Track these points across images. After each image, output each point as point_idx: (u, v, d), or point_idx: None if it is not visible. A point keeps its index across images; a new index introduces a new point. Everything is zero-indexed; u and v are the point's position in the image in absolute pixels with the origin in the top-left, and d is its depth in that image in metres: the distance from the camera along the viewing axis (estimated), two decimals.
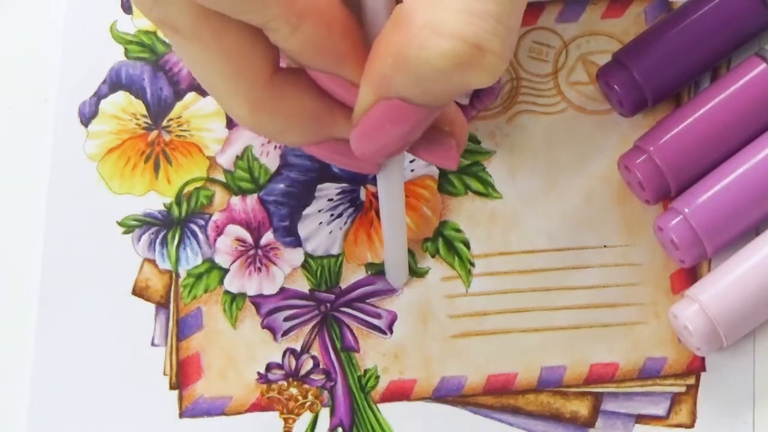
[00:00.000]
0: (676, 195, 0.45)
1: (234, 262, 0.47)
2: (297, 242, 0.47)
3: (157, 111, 0.49)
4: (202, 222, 0.48)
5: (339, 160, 0.42)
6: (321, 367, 0.46)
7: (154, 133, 0.49)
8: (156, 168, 0.48)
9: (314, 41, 0.38)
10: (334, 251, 0.47)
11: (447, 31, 0.36)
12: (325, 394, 0.46)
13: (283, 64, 0.40)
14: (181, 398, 0.46)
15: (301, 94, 0.40)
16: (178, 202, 0.48)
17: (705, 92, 0.46)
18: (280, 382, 0.46)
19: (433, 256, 0.47)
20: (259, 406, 0.46)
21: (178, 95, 0.49)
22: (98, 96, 0.49)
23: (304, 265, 0.47)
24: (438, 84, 0.37)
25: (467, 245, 0.47)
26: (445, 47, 0.36)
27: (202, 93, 0.49)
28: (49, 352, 0.47)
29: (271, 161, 0.48)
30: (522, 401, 0.45)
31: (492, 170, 0.47)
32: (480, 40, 0.36)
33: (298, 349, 0.46)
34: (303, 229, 0.47)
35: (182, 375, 0.46)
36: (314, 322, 0.46)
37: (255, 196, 0.48)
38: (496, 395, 0.45)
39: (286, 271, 0.47)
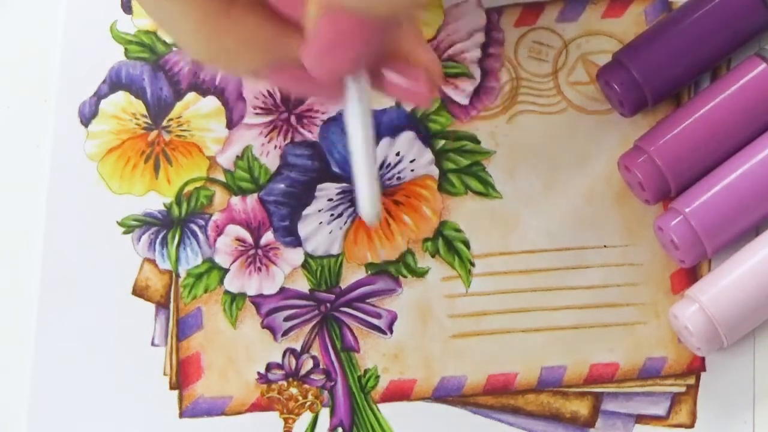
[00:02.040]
0: (676, 195, 0.45)
1: (234, 262, 0.47)
2: (297, 242, 0.47)
3: (157, 111, 0.49)
4: (202, 222, 0.48)
5: (298, 87, 0.41)
6: (321, 367, 0.46)
7: (154, 133, 0.49)
8: (156, 168, 0.48)
9: None
10: (334, 251, 0.47)
11: None
12: (325, 394, 0.46)
13: None
14: (181, 398, 0.46)
15: (252, 16, 0.39)
16: (178, 202, 0.48)
17: (705, 92, 0.46)
18: (280, 382, 0.46)
19: (433, 256, 0.47)
20: (259, 406, 0.46)
21: (178, 95, 0.49)
22: (98, 96, 0.49)
23: (304, 265, 0.47)
24: None
25: (467, 245, 0.47)
26: None
27: (203, 93, 0.49)
28: (49, 352, 0.47)
29: (271, 161, 0.48)
30: (522, 401, 0.45)
31: (492, 170, 0.47)
32: None
33: (298, 349, 0.46)
34: (303, 229, 0.47)
35: (182, 375, 0.46)
36: (314, 322, 0.46)
37: (255, 196, 0.48)
38: (496, 395, 0.45)
39: (286, 271, 0.47)
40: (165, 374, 0.46)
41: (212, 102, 0.49)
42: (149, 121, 0.49)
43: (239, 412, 0.46)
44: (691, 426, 0.44)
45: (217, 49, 0.40)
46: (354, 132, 0.41)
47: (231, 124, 0.49)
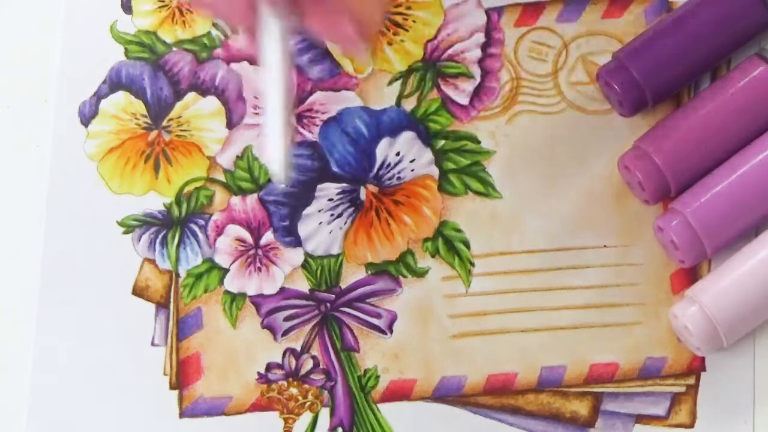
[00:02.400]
0: (676, 195, 0.45)
1: (234, 262, 0.47)
2: (297, 242, 0.47)
3: (157, 111, 0.49)
4: (202, 222, 0.48)
5: (211, 11, 0.40)
6: (321, 367, 0.46)
7: (154, 133, 0.49)
8: (156, 168, 0.48)
9: None
10: (334, 251, 0.47)
11: None
12: (325, 394, 0.46)
13: None
14: (181, 398, 0.46)
15: None
16: (178, 202, 0.48)
17: (705, 92, 0.46)
18: (280, 382, 0.46)
19: (433, 256, 0.47)
20: (259, 406, 0.46)
21: (178, 95, 0.49)
22: (98, 96, 0.49)
23: (304, 265, 0.47)
24: None
25: (467, 245, 0.47)
26: None
27: (202, 93, 0.49)
28: (49, 352, 0.47)
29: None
30: (522, 401, 0.45)
31: (492, 170, 0.47)
32: None
33: (298, 349, 0.46)
34: (303, 229, 0.47)
35: (182, 375, 0.46)
36: (314, 322, 0.46)
37: (255, 196, 0.48)
38: (496, 395, 0.45)
39: (286, 271, 0.47)
40: (165, 374, 0.46)
41: (212, 102, 0.49)
42: (149, 121, 0.49)
43: (239, 412, 0.46)
44: (691, 426, 0.44)
45: None
46: (268, 72, 0.39)
47: (231, 124, 0.49)
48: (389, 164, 0.47)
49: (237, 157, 0.48)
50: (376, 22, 0.39)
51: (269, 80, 0.38)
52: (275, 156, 0.39)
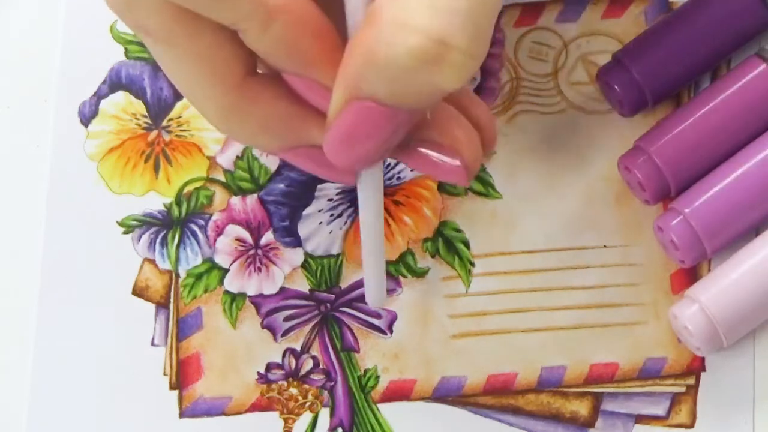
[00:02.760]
0: (676, 195, 0.45)
1: (234, 262, 0.47)
2: (297, 242, 0.47)
3: (157, 111, 0.49)
4: (202, 222, 0.48)
5: (314, 168, 0.41)
6: (321, 367, 0.46)
7: (154, 133, 0.49)
8: (156, 168, 0.48)
9: (285, 42, 0.37)
10: (334, 251, 0.47)
11: (414, 26, 0.35)
12: (325, 394, 0.46)
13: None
14: (181, 398, 0.46)
15: (274, 99, 0.39)
16: (178, 202, 0.48)
17: (705, 92, 0.46)
18: (280, 382, 0.46)
19: (433, 256, 0.47)
20: (259, 406, 0.46)
21: (178, 95, 0.49)
22: (98, 96, 0.49)
23: (304, 265, 0.47)
24: (407, 83, 0.36)
25: (467, 245, 0.47)
26: (411, 42, 0.35)
27: None
28: (49, 352, 0.47)
29: (271, 161, 0.48)
30: (522, 401, 0.45)
31: (492, 170, 0.47)
32: (446, 35, 0.35)
33: (298, 349, 0.46)
34: (303, 229, 0.47)
35: (182, 375, 0.46)
36: (314, 322, 0.46)
37: (255, 196, 0.48)
38: (496, 395, 0.45)
39: (286, 271, 0.47)
40: (165, 374, 0.46)
41: None
42: (149, 121, 0.49)
43: (239, 412, 0.46)
44: (691, 426, 0.45)
45: (237, 129, 0.40)
46: (365, 218, 0.41)
47: None
48: (389, 164, 0.47)
49: (237, 157, 0.48)
50: (476, 158, 0.40)
51: (366, 225, 0.41)
52: (372, 288, 0.44)
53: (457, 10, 0.35)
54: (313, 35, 0.37)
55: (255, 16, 0.36)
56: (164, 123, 0.49)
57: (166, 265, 0.47)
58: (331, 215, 0.47)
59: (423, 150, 0.39)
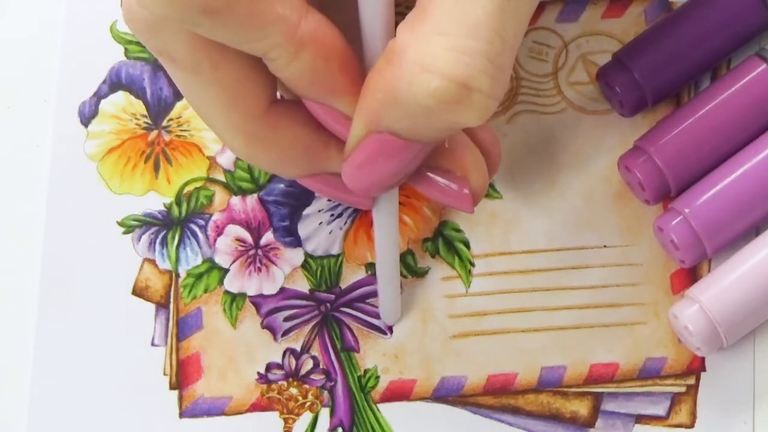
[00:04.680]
0: (676, 195, 0.45)
1: (234, 262, 0.47)
2: (297, 242, 0.47)
3: (157, 111, 0.49)
4: (202, 222, 0.48)
5: (333, 194, 0.42)
6: (321, 367, 0.46)
7: (154, 133, 0.49)
8: (156, 168, 0.48)
9: (312, 71, 0.37)
10: (334, 251, 0.47)
11: (436, 69, 0.35)
12: (325, 394, 0.46)
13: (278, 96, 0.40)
14: (181, 398, 0.46)
15: (295, 126, 0.40)
16: (178, 202, 0.48)
17: (705, 92, 0.46)
18: (280, 382, 0.46)
19: (433, 256, 0.47)
20: (259, 406, 0.46)
21: (178, 95, 0.49)
22: (98, 96, 0.49)
23: (304, 265, 0.47)
24: (427, 121, 0.36)
25: (467, 245, 0.47)
26: (433, 85, 0.35)
27: None
28: (49, 352, 0.47)
29: None
30: (522, 401, 0.45)
31: None
32: (468, 78, 0.35)
33: (298, 349, 0.46)
34: (303, 229, 0.47)
35: (182, 375, 0.46)
36: (314, 322, 0.46)
37: (255, 196, 0.48)
38: (496, 395, 0.45)
39: (286, 271, 0.47)
40: (165, 374, 0.46)
41: None
42: (149, 121, 0.49)
43: (239, 412, 0.46)
44: (691, 426, 0.45)
45: (260, 156, 0.40)
46: (380, 241, 0.42)
47: None
48: None
49: (237, 157, 0.48)
50: (483, 183, 0.41)
51: (381, 248, 0.43)
52: (387, 306, 0.45)
53: (479, 51, 0.35)
54: (339, 66, 0.38)
55: (286, 47, 0.37)
56: (164, 123, 0.49)
57: (166, 265, 0.47)
58: (331, 215, 0.47)
59: (432, 176, 0.40)
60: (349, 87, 0.38)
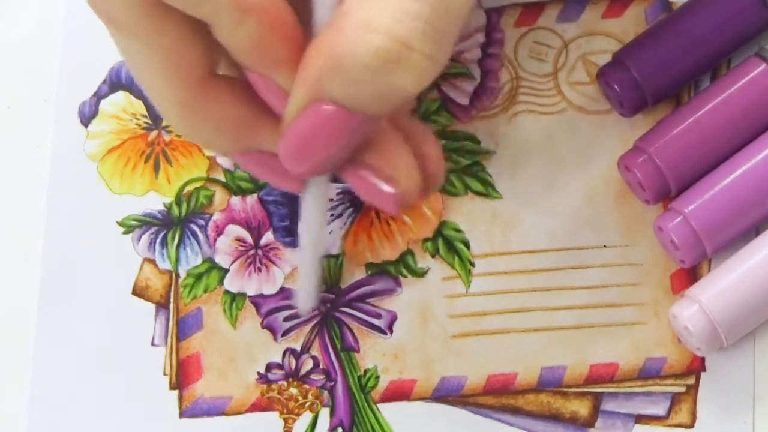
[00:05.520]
0: (676, 195, 0.45)
1: (234, 262, 0.47)
2: (297, 242, 0.47)
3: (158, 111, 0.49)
4: (202, 222, 0.48)
5: (264, 174, 0.42)
6: (321, 367, 0.46)
7: (154, 133, 0.49)
8: (156, 168, 0.48)
9: (255, 39, 0.38)
10: (334, 251, 0.47)
11: (379, 29, 0.36)
12: (325, 394, 0.46)
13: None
14: (181, 398, 0.46)
15: (231, 101, 0.40)
16: (178, 202, 0.48)
17: (705, 92, 0.46)
18: (280, 382, 0.46)
19: (433, 256, 0.47)
20: (259, 406, 0.46)
21: None
22: (98, 96, 0.49)
23: None
24: (368, 85, 0.37)
25: (467, 245, 0.47)
26: (375, 43, 0.36)
27: None
28: (49, 352, 0.47)
29: None
30: (522, 401, 0.45)
31: (492, 170, 0.47)
32: (409, 38, 0.36)
33: (298, 349, 0.46)
34: None
35: (182, 375, 0.46)
36: (314, 322, 0.46)
37: (255, 196, 0.48)
38: (496, 395, 0.45)
39: (286, 271, 0.47)
40: (165, 374, 0.46)
41: None
42: (149, 121, 0.49)
43: (239, 412, 0.46)
44: (691, 426, 0.45)
45: (192, 127, 0.41)
46: (305, 227, 0.43)
47: None
48: None
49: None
50: (412, 188, 0.41)
51: (306, 234, 0.43)
52: (303, 294, 0.45)
53: (422, 14, 0.36)
54: (282, 37, 0.38)
55: (231, 12, 0.37)
56: (164, 123, 0.49)
57: (166, 265, 0.47)
58: (331, 215, 0.47)
59: (363, 171, 0.40)
60: (291, 60, 0.38)
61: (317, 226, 0.43)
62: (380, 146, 0.40)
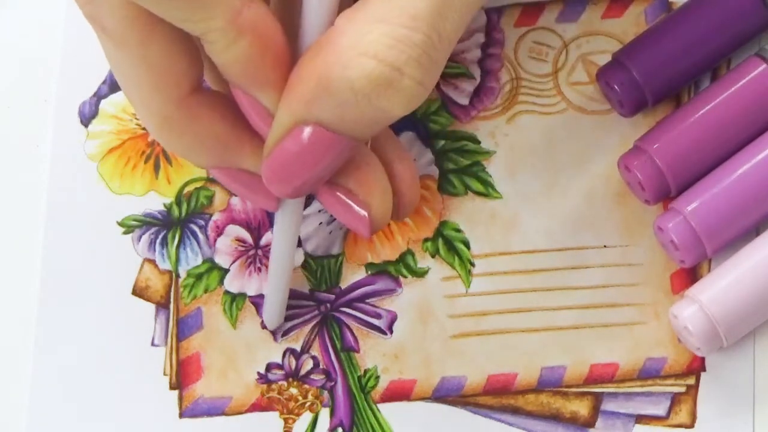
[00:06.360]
0: (676, 195, 0.45)
1: (234, 262, 0.47)
2: (297, 242, 0.47)
3: None
4: (202, 222, 0.48)
5: (239, 190, 0.42)
6: (321, 367, 0.46)
7: None
8: (156, 168, 0.48)
9: (245, 59, 0.38)
10: (334, 251, 0.47)
11: (371, 53, 0.36)
12: (325, 394, 0.46)
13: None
14: (181, 398, 0.46)
15: (213, 118, 0.40)
16: (178, 202, 0.48)
17: (705, 92, 0.46)
18: (280, 382, 0.46)
19: (433, 256, 0.47)
20: (259, 406, 0.46)
21: None
22: (98, 96, 0.49)
23: (304, 265, 0.47)
24: (357, 108, 0.37)
25: (467, 245, 0.47)
26: (367, 68, 0.36)
27: None
28: (49, 352, 0.47)
29: None
30: (522, 401, 0.45)
31: (492, 170, 0.47)
32: (401, 63, 0.36)
33: (298, 349, 0.46)
34: (303, 229, 0.47)
35: (182, 375, 0.46)
36: (314, 322, 0.46)
37: None
38: (496, 395, 0.45)
39: None
40: (165, 374, 0.46)
41: None
42: None
43: (239, 412, 0.46)
44: (691, 426, 0.45)
45: (171, 141, 0.41)
46: (277, 245, 0.43)
47: None
48: None
49: None
50: (384, 213, 0.41)
51: (277, 251, 0.43)
52: (270, 311, 0.45)
53: (415, 42, 0.36)
54: (273, 59, 0.38)
55: (226, 31, 0.37)
56: None
57: (166, 265, 0.47)
58: (332, 215, 0.47)
59: (338, 194, 0.40)
60: (278, 82, 0.38)
61: (289, 245, 0.43)
62: (356, 168, 0.40)
